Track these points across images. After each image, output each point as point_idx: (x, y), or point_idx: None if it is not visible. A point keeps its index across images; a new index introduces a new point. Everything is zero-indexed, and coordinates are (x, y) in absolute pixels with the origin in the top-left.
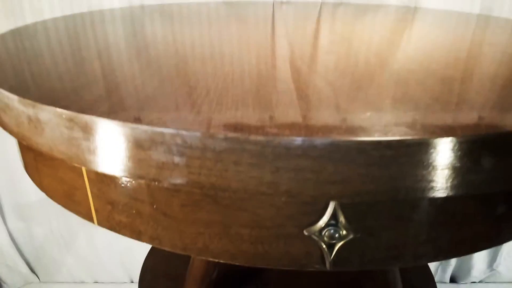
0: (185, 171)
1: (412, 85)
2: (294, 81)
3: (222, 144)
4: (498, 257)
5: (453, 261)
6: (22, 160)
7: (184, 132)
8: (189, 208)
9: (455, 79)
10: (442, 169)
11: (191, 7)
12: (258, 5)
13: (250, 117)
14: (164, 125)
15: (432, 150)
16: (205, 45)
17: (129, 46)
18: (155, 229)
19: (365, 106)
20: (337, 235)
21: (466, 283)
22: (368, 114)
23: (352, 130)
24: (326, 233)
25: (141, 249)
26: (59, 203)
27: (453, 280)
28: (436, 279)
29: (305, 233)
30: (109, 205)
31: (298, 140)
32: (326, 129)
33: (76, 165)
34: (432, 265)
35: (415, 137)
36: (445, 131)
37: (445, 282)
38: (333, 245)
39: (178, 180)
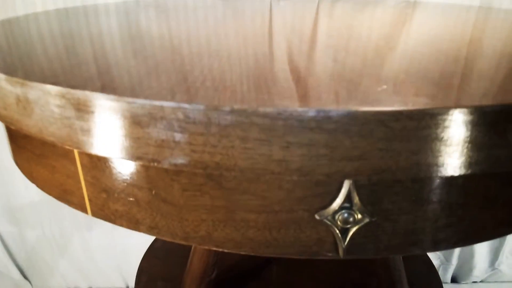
0: (187, 149)
1: (425, 63)
2: (300, 60)
3: (228, 118)
4: (500, 256)
5: (455, 261)
6: (10, 150)
7: (186, 105)
8: (191, 193)
9: (468, 57)
10: (467, 142)
11: (187, 1)
12: (255, 1)
13: (254, 92)
14: (164, 98)
15: (457, 121)
16: (201, 37)
17: (122, 34)
18: (153, 217)
19: (379, 80)
20: (351, 219)
21: (467, 282)
22: (384, 86)
23: (368, 101)
24: (340, 217)
25: (137, 253)
26: (50, 194)
27: (454, 280)
28: None
29: (317, 217)
30: (104, 193)
31: (311, 111)
32: (341, 101)
33: (68, 147)
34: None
35: (440, 106)
36: (469, 102)
37: (446, 282)
38: (347, 231)
39: (180, 160)
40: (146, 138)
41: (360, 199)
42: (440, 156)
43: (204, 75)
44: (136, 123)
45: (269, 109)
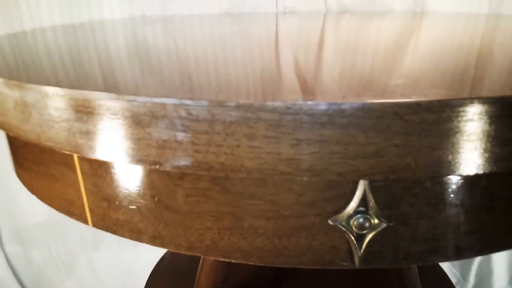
0: (190, 149)
1: (439, 63)
2: (307, 65)
3: (233, 114)
4: None
5: (472, 279)
6: (12, 164)
7: (188, 102)
8: (195, 199)
9: (483, 57)
10: (491, 137)
11: (194, 16)
12: (261, 15)
13: (260, 89)
14: (166, 96)
15: (479, 114)
16: (207, 48)
17: (128, 45)
18: (156, 226)
19: (393, 75)
20: (367, 224)
21: None
22: (400, 80)
23: (384, 93)
24: (355, 222)
25: (144, 273)
26: (51, 205)
27: None
28: None
29: (330, 222)
30: (105, 202)
31: (322, 104)
32: (355, 94)
33: (67, 152)
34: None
35: (461, 97)
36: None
37: None
38: (363, 237)
39: (183, 162)
40: (147, 139)
41: (376, 202)
42: (463, 152)
43: (209, 80)
44: (137, 123)
45: (277, 103)
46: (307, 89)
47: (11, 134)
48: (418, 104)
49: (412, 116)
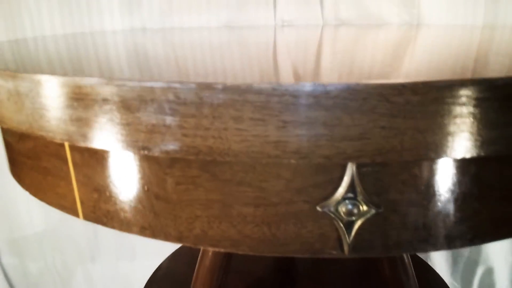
0: (178, 133)
1: (433, 63)
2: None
3: (220, 96)
4: None
5: None
6: (8, 163)
7: (177, 85)
8: (184, 187)
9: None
10: (477, 120)
11: (193, 29)
12: (260, 28)
13: (248, 74)
14: (154, 79)
15: (465, 96)
16: (205, 55)
17: (127, 48)
18: (146, 216)
19: (384, 63)
20: (356, 210)
21: None
22: (389, 64)
23: (370, 76)
24: (343, 209)
25: (140, 285)
26: (43, 199)
27: None
28: None
29: (319, 209)
30: (95, 193)
31: (308, 86)
32: (341, 76)
33: (57, 140)
34: None
35: (446, 78)
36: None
37: None
38: (352, 224)
39: (171, 146)
40: (136, 123)
41: (364, 188)
42: (449, 134)
43: (200, 70)
44: (126, 108)
45: (263, 85)
46: (298, 77)
47: (4, 126)
48: (402, 86)
49: (397, 97)
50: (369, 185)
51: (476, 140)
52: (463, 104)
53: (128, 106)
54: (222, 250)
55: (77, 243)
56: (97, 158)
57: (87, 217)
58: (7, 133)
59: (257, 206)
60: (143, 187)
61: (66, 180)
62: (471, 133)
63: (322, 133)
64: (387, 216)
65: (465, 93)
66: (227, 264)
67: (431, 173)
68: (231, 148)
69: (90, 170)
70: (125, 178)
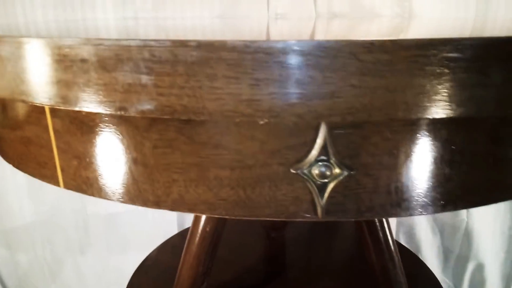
0: (154, 92)
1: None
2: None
3: (194, 54)
4: None
5: None
6: None
7: (152, 43)
8: (162, 150)
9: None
10: (446, 80)
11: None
12: (253, 19)
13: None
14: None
15: (432, 55)
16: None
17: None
18: (124, 182)
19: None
20: (328, 172)
21: None
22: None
23: (343, 37)
24: (316, 171)
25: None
26: (25, 170)
27: None
28: None
29: (293, 171)
30: (75, 160)
31: (280, 43)
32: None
33: (37, 104)
34: None
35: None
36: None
37: None
38: (325, 186)
39: (147, 106)
40: (113, 83)
41: (336, 150)
42: (418, 94)
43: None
44: (103, 68)
45: (236, 42)
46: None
47: None
48: (371, 44)
49: (366, 55)
50: (342, 147)
51: (445, 100)
52: (432, 64)
53: (105, 66)
54: (198, 214)
55: (68, 235)
56: (77, 124)
57: (67, 185)
58: None
59: (233, 168)
60: (121, 151)
61: (47, 148)
62: (440, 93)
63: (294, 91)
64: (359, 180)
65: (433, 53)
66: (213, 251)
67: (403, 136)
68: (206, 107)
69: (70, 137)
70: (103, 144)
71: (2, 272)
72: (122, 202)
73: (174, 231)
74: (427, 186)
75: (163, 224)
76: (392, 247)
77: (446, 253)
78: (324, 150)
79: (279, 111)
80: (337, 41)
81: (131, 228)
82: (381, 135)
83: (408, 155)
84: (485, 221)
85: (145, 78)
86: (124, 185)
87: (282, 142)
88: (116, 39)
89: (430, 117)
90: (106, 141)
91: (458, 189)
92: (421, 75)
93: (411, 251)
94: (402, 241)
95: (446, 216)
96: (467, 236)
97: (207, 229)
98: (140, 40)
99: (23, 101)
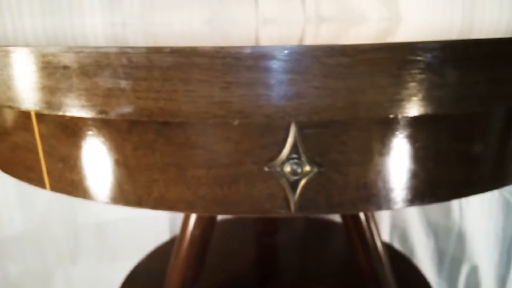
0: (132, 96)
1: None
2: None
3: (169, 59)
4: (508, 284)
5: None
6: None
7: (129, 50)
8: (142, 152)
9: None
10: (405, 81)
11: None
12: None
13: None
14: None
15: (388, 59)
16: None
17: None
18: (107, 183)
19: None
20: (299, 170)
21: None
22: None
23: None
24: (288, 168)
25: None
26: (12, 174)
27: None
28: None
29: (266, 169)
30: (61, 163)
31: (247, 48)
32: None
33: (23, 109)
34: None
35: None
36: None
37: None
38: (297, 183)
39: (126, 109)
40: (93, 88)
41: (307, 149)
42: (378, 94)
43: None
44: (84, 74)
45: (207, 48)
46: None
47: None
48: (332, 48)
49: (328, 59)
50: (312, 146)
51: (405, 100)
52: (390, 66)
53: (86, 72)
54: (178, 212)
55: (58, 244)
56: (61, 128)
57: (53, 188)
58: None
59: (209, 168)
60: (103, 154)
61: (34, 152)
62: (400, 93)
63: (262, 93)
64: (329, 176)
65: (390, 56)
66: (202, 255)
67: (369, 135)
68: (181, 109)
69: (55, 141)
70: (87, 146)
71: None
72: (106, 203)
73: (165, 239)
74: (394, 182)
75: (154, 233)
76: (380, 248)
77: (440, 256)
78: (294, 148)
79: (249, 112)
80: (300, 46)
81: (122, 237)
82: (348, 133)
83: (375, 153)
84: (478, 222)
85: (123, 83)
86: (107, 186)
87: (256, 142)
88: (95, 47)
89: (392, 116)
90: (89, 144)
91: (424, 184)
92: (380, 76)
93: (402, 254)
94: (396, 245)
95: (439, 218)
96: (461, 238)
97: (196, 233)
98: (117, 47)
99: (10, 107)
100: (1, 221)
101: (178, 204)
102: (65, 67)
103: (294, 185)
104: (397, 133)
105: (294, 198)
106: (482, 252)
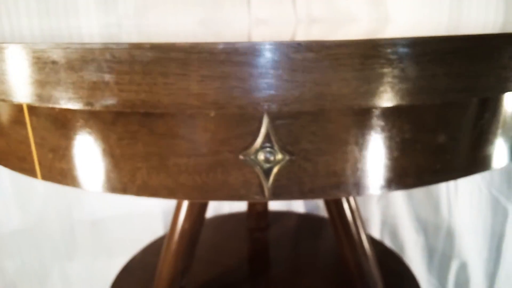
0: (115, 89)
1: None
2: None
3: (149, 54)
4: (497, 281)
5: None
6: None
7: (112, 46)
8: (126, 142)
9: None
10: (366, 74)
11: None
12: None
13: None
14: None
15: (352, 52)
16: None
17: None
18: (94, 171)
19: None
20: (272, 158)
21: None
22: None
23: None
24: (262, 156)
25: None
26: (6, 165)
27: None
28: None
29: (241, 157)
30: (51, 153)
31: (221, 44)
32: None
33: (16, 102)
34: None
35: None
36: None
37: None
38: (270, 170)
39: (110, 101)
40: (80, 81)
41: (279, 138)
42: (343, 87)
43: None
44: (71, 68)
45: (184, 44)
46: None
47: None
48: (298, 44)
49: (296, 54)
50: (283, 135)
51: (368, 92)
52: (353, 61)
53: (73, 67)
54: (161, 198)
55: (54, 241)
56: (51, 120)
57: (44, 177)
58: None
59: (189, 156)
60: (90, 144)
61: (26, 144)
62: (362, 86)
63: (235, 85)
64: (300, 164)
65: (352, 51)
66: (192, 248)
67: (337, 125)
68: (161, 101)
69: (46, 132)
70: (75, 137)
71: None
72: (93, 191)
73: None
74: (362, 170)
75: (149, 229)
76: (365, 242)
77: (430, 253)
78: (267, 137)
79: (224, 103)
80: (270, 43)
81: (118, 233)
82: (317, 124)
83: (343, 142)
84: (467, 219)
85: (107, 77)
86: (94, 175)
87: (231, 132)
88: (82, 43)
89: (357, 107)
90: (77, 135)
91: (391, 172)
92: (344, 70)
93: (392, 251)
94: (387, 242)
95: (428, 215)
96: (450, 235)
97: (185, 226)
98: (101, 43)
99: (3, 100)
100: None
101: (160, 191)
102: (54, 62)
103: (267, 172)
104: (363, 124)
105: (268, 184)
106: (471, 249)
